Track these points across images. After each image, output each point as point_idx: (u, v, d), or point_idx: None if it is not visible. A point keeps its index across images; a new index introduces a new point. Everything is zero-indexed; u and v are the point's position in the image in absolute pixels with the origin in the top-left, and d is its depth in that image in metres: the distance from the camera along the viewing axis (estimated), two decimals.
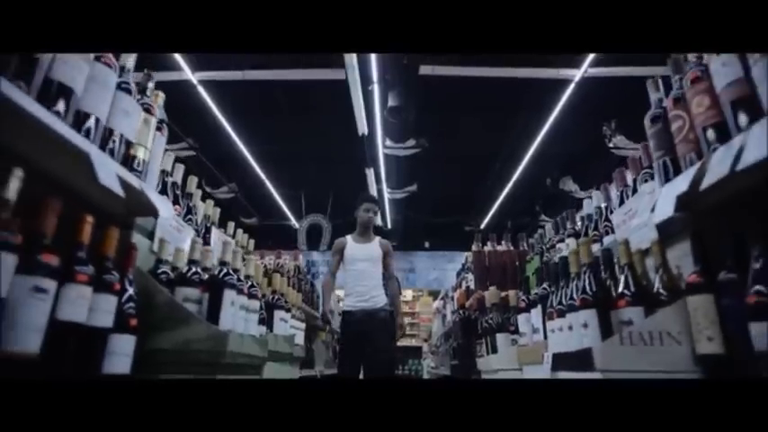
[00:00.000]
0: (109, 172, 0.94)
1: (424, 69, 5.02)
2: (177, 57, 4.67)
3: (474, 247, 3.21)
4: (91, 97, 0.98)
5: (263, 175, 7.51)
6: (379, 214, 3.24)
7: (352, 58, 4.45)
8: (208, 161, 6.55)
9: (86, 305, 0.94)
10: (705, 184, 0.89)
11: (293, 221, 9.23)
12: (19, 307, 0.80)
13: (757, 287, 0.84)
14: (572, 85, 5.08)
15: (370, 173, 6.98)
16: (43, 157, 0.92)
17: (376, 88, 5.11)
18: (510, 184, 7.68)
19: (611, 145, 5.91)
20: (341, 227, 6.71)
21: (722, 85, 0.95)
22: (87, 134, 0.95)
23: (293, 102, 5.81)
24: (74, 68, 0.93)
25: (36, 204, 0.88)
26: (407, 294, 11.19)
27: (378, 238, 3.06)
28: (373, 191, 7.30)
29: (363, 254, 2.94)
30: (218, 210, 2.08)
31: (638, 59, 4.47)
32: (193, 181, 1.80)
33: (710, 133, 0.99)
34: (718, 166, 0.86)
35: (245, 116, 5.95)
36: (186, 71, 4.90)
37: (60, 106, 0.89)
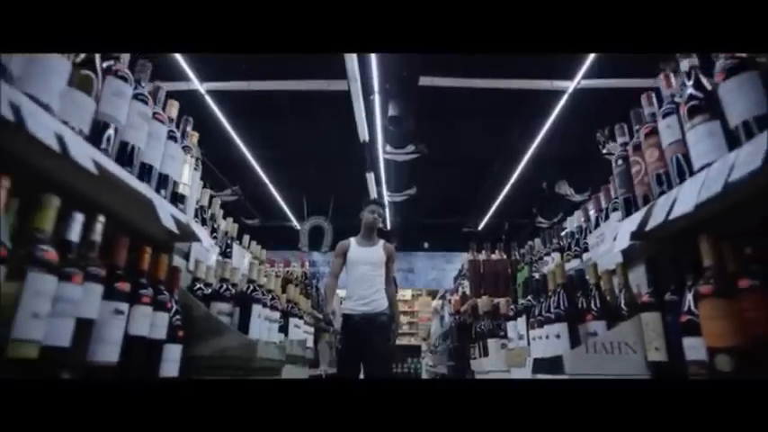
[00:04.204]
0: (167, 214, 1.16)
1: (424, 80, 5.22)
2: (186, 68, 4.86)
3: (470, 255, 3.42)
4: (150, 150, 1.19)
5: (266, 179, 7.73)
6: (382, 217, 3.34)
7: (354, 69, 4.64)
8: (213, 165, 6.75)
9: (148, 322, 1.16)
10: (649, 226, 1.11)
11: (295, 223, 9.45)
12: (103, 326, 1.02)
13: (688, 309, 1.05)
14: (566, 96, 5.31)
15: (370, 177, 7.19)
16: (117, 204, 1.13)
17: (377, 98, 5.32)
18: (507, 187, 7.91)
19: (604, 151, 6.10)
20: (342, 229, 6.92)
21: (666, 143, 1.16)
22: (149, 182, 1.16)
23: (297, 108, 6.02)
24: (138, 130, 1.14)
25: (110, 241, 1.09)
26: (407, 294, 11.42)
27: (382, 242, 3.06)
28: (374, 194, 7.51)
29: (366, 258, 2.97)
30: (237, 226, 2.30)
31: (627, 72, 4.70)
32: (217, 203, 2.01)
33: (659, 180, 1.20)
34: (659, 212, 1.07)
35: (251, 123, 6.17)
36: (195, 82, 5.11)
37: (131, 162, 1.10)
